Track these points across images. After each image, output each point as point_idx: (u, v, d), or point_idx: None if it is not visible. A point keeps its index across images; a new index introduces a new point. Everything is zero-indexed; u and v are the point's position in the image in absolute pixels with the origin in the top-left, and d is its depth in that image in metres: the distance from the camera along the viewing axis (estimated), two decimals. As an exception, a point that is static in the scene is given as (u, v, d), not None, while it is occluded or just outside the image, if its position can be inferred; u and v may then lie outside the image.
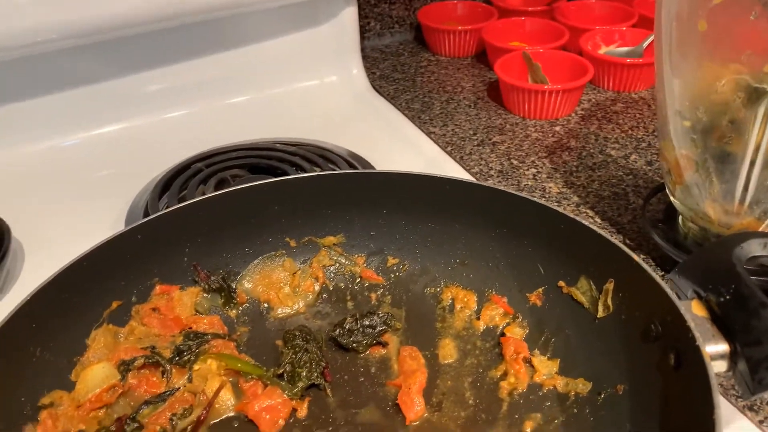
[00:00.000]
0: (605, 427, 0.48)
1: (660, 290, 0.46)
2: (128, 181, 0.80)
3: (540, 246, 0.57)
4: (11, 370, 0.47)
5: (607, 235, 0.52)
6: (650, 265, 0.66)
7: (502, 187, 0.60)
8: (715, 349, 0.43)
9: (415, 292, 0.62)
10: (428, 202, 0.62)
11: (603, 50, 1.07)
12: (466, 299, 0.61)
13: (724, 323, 0.44)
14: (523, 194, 0.57)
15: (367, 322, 0.58)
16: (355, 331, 0.57)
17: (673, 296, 0.46)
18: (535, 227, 0.57)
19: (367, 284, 0.63)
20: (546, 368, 0.53)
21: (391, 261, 0.64)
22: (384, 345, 0.58)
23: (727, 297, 0.43)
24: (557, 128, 0.94)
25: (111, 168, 0.85)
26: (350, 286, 0.64)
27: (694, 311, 0.45)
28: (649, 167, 0.85)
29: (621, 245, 0.51)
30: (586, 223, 0.53)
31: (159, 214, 0.57)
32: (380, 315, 0.58)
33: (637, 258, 0.49)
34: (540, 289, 0.58)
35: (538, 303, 0.58)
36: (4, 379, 0.46)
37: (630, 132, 0.93)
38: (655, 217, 0.72)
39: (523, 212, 0.57)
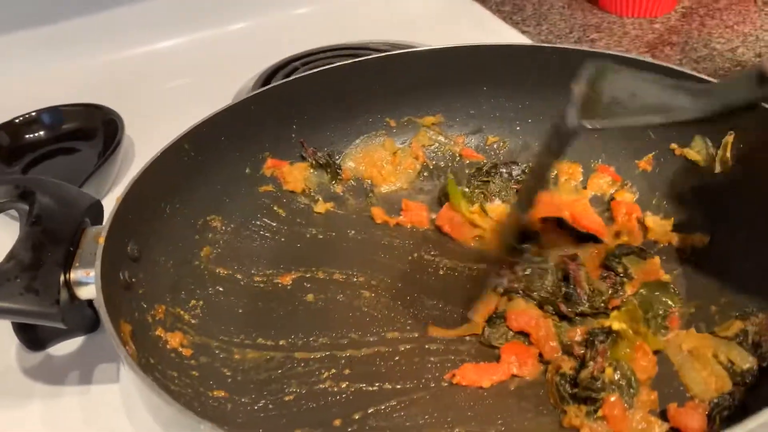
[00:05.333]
0: (727, 275, 0.48)
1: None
2: (230, 81, 0.83)
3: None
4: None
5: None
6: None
7: (613, 52, 0.58)
8: None
9: (517, 167, 0.62)
10: (530, 74, 0.60)
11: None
12: (570, 171, 0.60)
13: None
14: (633, 55, 0.56)
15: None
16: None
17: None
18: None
19: (467, 162, 0.64)
20: (660, 227, 0.53)
21: (491, 139, 0.64)
22: None
23: None
24: (657, 26, 0.90)
25: (211, 70, 0.88)
26: (450, 164, 0.64)
27: None
28: (758, 59, 0.80)
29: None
30: (701, 75, 0.52)
31: (270, 86, 0.59)
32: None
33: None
34: (650, 155, 0.57)
35: (648, 168, 0.57)
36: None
37: (736, 27, 0.88)
38: None
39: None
